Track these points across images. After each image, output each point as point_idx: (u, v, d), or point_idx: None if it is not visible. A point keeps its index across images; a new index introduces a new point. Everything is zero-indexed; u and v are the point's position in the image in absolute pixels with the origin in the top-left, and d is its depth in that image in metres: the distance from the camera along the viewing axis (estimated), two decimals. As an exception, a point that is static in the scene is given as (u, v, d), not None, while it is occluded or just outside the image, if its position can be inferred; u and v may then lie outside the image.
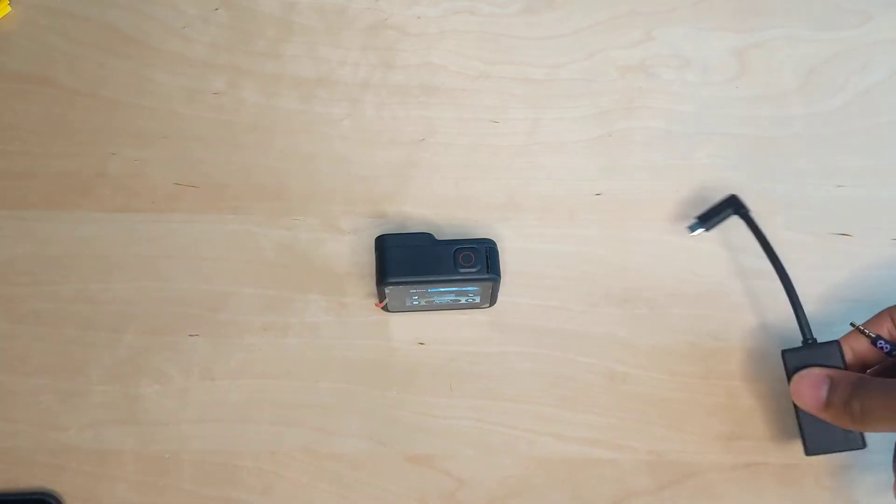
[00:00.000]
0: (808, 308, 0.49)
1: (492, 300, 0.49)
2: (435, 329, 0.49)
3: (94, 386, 0.48)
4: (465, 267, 0.46)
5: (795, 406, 0.45)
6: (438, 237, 0.47)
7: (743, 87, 0.56)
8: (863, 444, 0.44)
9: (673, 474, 0.46)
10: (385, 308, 0.49)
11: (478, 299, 0.48)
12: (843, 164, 0.54)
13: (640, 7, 0.58)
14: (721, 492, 0.46)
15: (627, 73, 0.56)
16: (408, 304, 0.48)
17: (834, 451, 0.45)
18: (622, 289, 0.51)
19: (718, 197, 0.52)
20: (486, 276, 0.46)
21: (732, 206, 0.50)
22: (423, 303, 0.48)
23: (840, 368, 0.44)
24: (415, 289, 0.46)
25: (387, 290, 0.46)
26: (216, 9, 0.58)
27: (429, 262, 0.46)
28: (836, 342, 0.45)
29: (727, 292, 0.50)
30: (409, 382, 0.48)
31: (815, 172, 0.53)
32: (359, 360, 0.49)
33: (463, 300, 0.48)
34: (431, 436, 0.47)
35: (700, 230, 0.50)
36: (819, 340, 0.46)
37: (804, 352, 0.45)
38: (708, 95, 0.56)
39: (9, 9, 0.57)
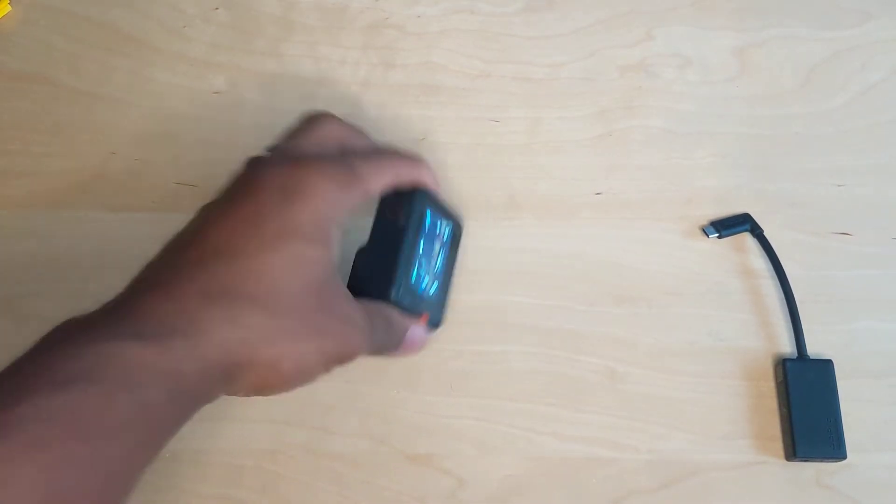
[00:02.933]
0: (808, 308, 0.49)
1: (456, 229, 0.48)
2: (435, 328, 0.49)
3: (95, 385, 0.48)
4: (394, 220, 0.44)
5: (789, 411, 0.46)
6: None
7: (743, 86, 0.56)
8: (844, 455, 0.45)
9: (673, 474, 0.47)
10: (430, 323, 0.46)
11: (448, 241, 0.47)
12: (844, 163, 0.54)
13: (641, 6, 0.58)
14: (721, 491, 0.46)
15: (628, 73, 0.56)
16: (425, 294, 0.46)
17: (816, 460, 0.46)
18: (622, 288, 0.50)
19: (719, 196, 0.52)
20: (416, 214, 0.44)
21: (748, 224, 0.51)
22: (433, 281, 0.46)
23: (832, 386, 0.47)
24: (405, 278, 0.44)
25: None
26: (216, 8, 0.58)
27: (391, 253, 0.44)
28: (830, 361, 0.47)
29: (727, 292, 0.50)
30: (410, 381, 0.48)
31: (815, 172, 0.53)
32: (359, 359, 0.49)
33: (444, 252, 0.47)
34: (431, 435, 0.47)
35: (714, 235, 0.51)
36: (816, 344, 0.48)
37: (801, 363, 0.47)
38: (708, 95, 0.56)
39: (9, 8, 0.57)
